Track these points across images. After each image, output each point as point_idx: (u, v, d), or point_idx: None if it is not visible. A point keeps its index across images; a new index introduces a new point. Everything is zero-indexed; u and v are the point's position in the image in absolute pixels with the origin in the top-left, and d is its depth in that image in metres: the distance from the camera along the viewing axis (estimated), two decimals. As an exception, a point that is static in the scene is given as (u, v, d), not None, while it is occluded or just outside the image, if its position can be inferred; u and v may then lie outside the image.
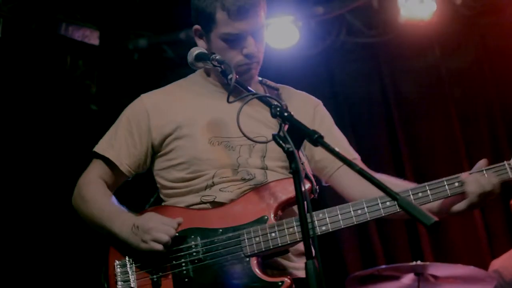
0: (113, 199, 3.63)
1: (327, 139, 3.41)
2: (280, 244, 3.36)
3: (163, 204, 3.65)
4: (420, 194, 3.35)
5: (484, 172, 3.36)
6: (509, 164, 3.37)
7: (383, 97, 7.58)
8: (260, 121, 3.62)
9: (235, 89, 3.34)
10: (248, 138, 3.31)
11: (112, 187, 3.69)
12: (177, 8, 5.95)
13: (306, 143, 3.47)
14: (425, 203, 3.34)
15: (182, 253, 3.41)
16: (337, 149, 2.91)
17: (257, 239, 3.36)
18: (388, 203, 3.33)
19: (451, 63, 7.34)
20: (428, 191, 3.36)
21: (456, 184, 3.36)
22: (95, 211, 3.56)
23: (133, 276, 3.44)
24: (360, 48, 7.48)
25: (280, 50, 7.09)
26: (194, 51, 3.50)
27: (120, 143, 3.65)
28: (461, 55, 7.30)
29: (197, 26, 3.61)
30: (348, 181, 3.62)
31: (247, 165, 3.54)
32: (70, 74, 6.99)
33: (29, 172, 6.52)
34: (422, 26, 6.97)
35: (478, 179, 3.33)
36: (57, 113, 6.83)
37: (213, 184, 3.51)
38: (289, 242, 3.36)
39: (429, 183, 3.38)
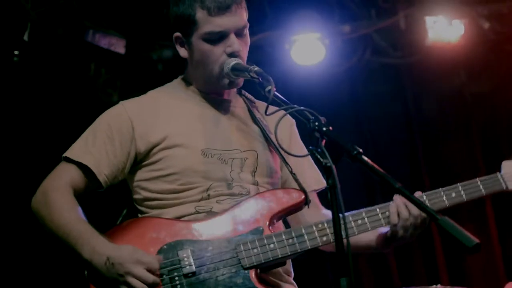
0: (82, 214, 3.34)
1: (300, 164, 3.58)
2: (280, 256, 3.30)
3: (144, 216, 3.48)
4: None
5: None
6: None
7: (406, 118, 7.55)
8: (249, 134, 3.58)
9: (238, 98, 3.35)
10: (286, 152, 3.22)
11: (79, 197, 3.41)
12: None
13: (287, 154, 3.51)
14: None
15: (174, 267, 3.24)
16: (376, 167, 2.87)
17: (255, 250, 3.28)
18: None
19: (475, 87, 7.31)
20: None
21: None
22: (60, 225, 3.29)
23: None
24: (385, 68, 7.46)
25: (305, 66, 7.08)
26: (231, 62, 3.44)
27: (99, 151, 3.40)
28: (486, 79, 7.28)
29: (177, 34, 3.50)
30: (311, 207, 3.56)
31: (240, 180, 3.47)
32: (93, 82, 6.98)
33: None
34: (449, 49, 6.97)
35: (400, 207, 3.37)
36: (77, 119, 6.80)
37: (209, 197, 3.42)
38: (289, 253, 3.32)
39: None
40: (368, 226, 3.41)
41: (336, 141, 2.95)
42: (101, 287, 3.21)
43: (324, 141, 2.97)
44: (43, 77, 6.44)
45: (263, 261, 3.28)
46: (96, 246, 3.20)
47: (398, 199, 3.41)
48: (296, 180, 3.52)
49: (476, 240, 2.53)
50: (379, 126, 7.58)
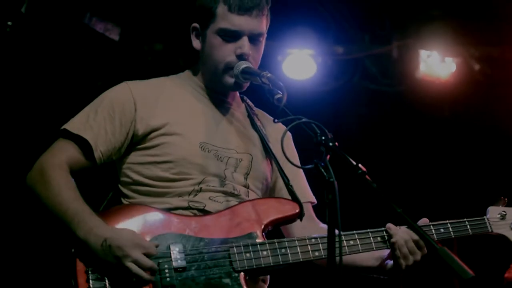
0: (79, 193, 3.31)
1: (292, 175, 3.60)
2: (272, 264, 3.32)
3: (131, 201, 3.44)
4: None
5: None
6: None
7: (385, 146, 7.60)
8: (246, 137, 3.61)
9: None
10: (291, 163, 3.18)
11: (73, 175, 3.39)
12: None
13: (285, 165, 3.55)
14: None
15: (165, 259, 3.21)
16: (375, 186, 2.90)
17: (248, 255, 3.29)
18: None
19: (458, 125, 7.40)
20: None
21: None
22: (57, 203, 3.25)
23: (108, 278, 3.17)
24: (372, 94, 7.52)
25: (294, 80, 7.11)
26: (242, 64, 3.46)
27: (99, 127, 3.39)
28: (469, 118, 7.36)
29: (195, 24, 3.56)
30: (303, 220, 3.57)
31: (233, 180, 3.49)
32: (82, 64, 6.93)
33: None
34: (437, 84, 7.07)
35: (404, 232, 3.43)
36: (67, 95, 6.74)
37: (200, 190, 3.42)
38: (281, 263, 3.33)
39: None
40: (359, 248, 3.45)
41: (342, 158, 2.98)
42: (90, 265, 3.16)
43: (328, 156, 3.00)
44: (37, 50, 6.37)
45: (254, 267, 3.28)
46: (94, 226, 3.17)
47: (401, 235, 3.45)
48: (293, 192, 3.54)
49: (472, 273, 2.57)
50: (357, 150, 7.57)
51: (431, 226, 3.53)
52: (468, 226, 3.59)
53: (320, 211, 3.49)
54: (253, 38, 3.49)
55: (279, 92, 3.24)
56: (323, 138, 3.03)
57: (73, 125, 3.42)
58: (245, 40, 3.46)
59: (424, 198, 7.31)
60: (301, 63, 7.07)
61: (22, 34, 6.17)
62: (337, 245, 2.78)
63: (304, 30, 7.01)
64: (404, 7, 7.16)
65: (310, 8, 7.08)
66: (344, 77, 7.37)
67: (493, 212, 3.66)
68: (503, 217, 3.64)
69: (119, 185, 3.52)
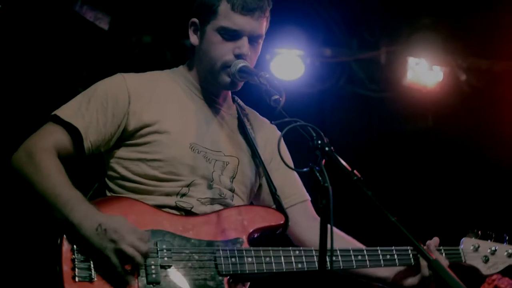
0: (68, 178, 3.24)
1: (286, 175, 3.62)
2: (256, 271, 3.30)
3: (125, 196, 3.38)
4: (359, 257, 3.47)
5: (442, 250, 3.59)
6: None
7: (368, 151, 7.62)
8: (235, 141, 3.59)
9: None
10: (288, 167, 3.14)
11: (61, 161, 3.30)
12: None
13: (272, 169, 3.59)
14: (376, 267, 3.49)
15: (152, 255, 3.16)
16: (370, 193, 2.90)
17: (233, 259, 3.27)
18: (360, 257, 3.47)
19: (440, 134, 7.44)
20: (380, 255, 3.50)
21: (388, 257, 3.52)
22: (48, 188, 3.17)
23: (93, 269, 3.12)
24: (357, 98, 7.54)
25: (281, 80, 7.08)
26: (239, 63, 3.43)
27: (91, 116, 3.34)
28: (453, 129, 7.40)
29: (194, 19, 3.51)
30: (303, 220, 3.62)
31: (219, 183, 3.47)
32: (68, 52, 6.87)
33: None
34: (423, 92, 7.09)
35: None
36: (46, 86, 6.69)
37: (188, 192, 3.39)
38: (264, 271, 3.32)
39: (381, 248, 3.53)
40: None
41: (337, 164, 2.96)
42: (76, 253, 3.10)
43: (324, 160, 2.98)
44: (23, 34, 6.31)
45: (239, 272, 3.27)
46: (88, 212, 3.12)
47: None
48: (279, 203, 3.53)
49: (464, 286, 2.57)
50: (340, 154, 7.58)
51: (409, 250, 3.55)
52: (444, 254, 3.63)
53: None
54: (252, 39, 3.47)
55: (276, 93, 3.22)
56: (319, 142, 3.01)
57: (65, 112, 3.36)
58: (245, 40, 3.44)
59: (402, 207, 7.33)
60: (289, 63, 7.06)
61: (12, 17, 6.11)
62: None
63: (294, 30, 7.00)
64: (394, 13, 7.19)
65: (301, 8, 7.08)
66: (331, 80, 7.37)
67: (467, 243, 3.72)
68: (476, 249, 3.71)
69: (106, 179, 3.48)
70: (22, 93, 6.41)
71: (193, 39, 3.53)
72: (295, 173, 3.74)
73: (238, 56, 3.44)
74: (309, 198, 3.72)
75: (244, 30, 3.43)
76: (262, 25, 3.49)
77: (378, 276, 3.60)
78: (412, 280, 3.55)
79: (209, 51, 3.47)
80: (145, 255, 3.11)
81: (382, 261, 3.51)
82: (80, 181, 3.41)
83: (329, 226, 2.82)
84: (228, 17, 3.42)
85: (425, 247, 3.40)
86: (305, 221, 3.63)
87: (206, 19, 3.46)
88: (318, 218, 3.60)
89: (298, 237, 3.64)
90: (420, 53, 6.99)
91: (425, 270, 3.49)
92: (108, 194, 3.44)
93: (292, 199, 3.67)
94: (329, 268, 2.81)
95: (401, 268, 3.57)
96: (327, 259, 2.80)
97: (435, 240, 3.60)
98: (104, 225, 3.08)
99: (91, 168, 3.56)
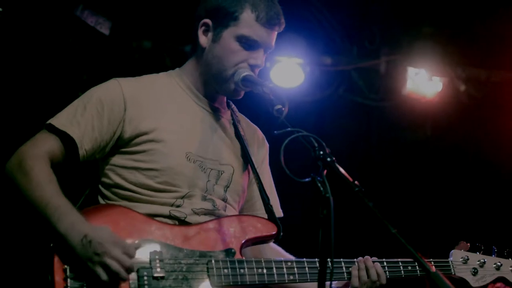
0: (59, 187, 3.22)
1: (268, 186, 3.68)
2: (248, 283, 3.30)
3: (117, 204, 3.36)
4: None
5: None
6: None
7: (366, 160, 7.62)
8: (230, 148, 3.59)
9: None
10: (291, 176, 3.07)
11: (52, 168, 3.29)
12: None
13: (252, 178, 3.62)
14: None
15: (144, 265, 3.15)
16: (371, 205, 2.90)
17: (226, 271, 3.26)
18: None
19: (438, 144, 7.44)
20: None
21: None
22: (38, 196, 3.15)
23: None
24: (356, 107, 7.54)
25: (280, 88, 7.08)
26: (243, 72, 3.44)
27: (86, 124, 3.32)
28: (450, 139, 7.41)
29: (207, 20, 3.50)
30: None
31: (213, 193, 3.47)
32: (68, 56, 6.87)
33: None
34: (422, 102, 7.09)
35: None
36: (45, 90, 6.69)
37: (183, 203, 3.38)
38: (257, 282, 3.32)
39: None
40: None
41: (339, 175, 2.97)
42: (68, 263, 3.08)
43: (325, 171, 2.99)
44: (25, 38, 6.31)
45: (231, 284, 3.26)
46: (75, 222, 3.09)
47: (360, 263, 3.52)
48: (272, 213, 3.53)
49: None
50: (338, 163, 7.57)
51: (400, 263, 3.58)
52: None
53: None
54: (265, 51, 3.51)
55: (279, 103, 3.23)
56: (321, 152, 3.02)
57: (60, 120, 3.35)
58: (261, 52, 3.48)
59: (400, 216, 7.34)
60: (289, 71, 7.05)
61: (12, 21, 6.11)
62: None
63: (295, 39, 7.00)
64: (394, 23, 7.20)
65: (302, 17, 7.08)
66: (331, 88, 7.37)
67: (456, 255, 3.76)
68: (465, 261, 3.74)
69: (100, 185, 3.46)
70: (22, 96, 6.41)
71: (203, 40, 3.51)
72: (273, 187, 3.76)
73: (252, 66, 3.46)
74: (282, 215, 3.73)
75: (263, 42, 3.46)
76: (275, 39, 3.53)
77: None
78: None
79: (224, 56, 3.46)
80: (129, 271, 3.07)
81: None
82: (72, 187, 3.40)
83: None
84: (251, 27, 3.43)
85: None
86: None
87: (224, 23, 3.46)
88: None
89: (259, 248, 3.63)
90: (420, 63, 7.00)
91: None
92: (101, 201, 3.43)
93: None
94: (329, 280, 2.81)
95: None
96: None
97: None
98: (89, 236, 3.05)
99: (83, 174, 3.54)
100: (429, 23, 7.08)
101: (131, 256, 3.08)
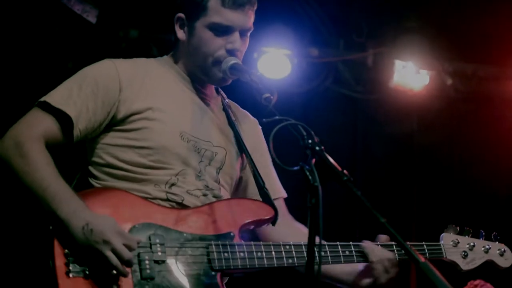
0: (57, 170, 3.16)
1: (266, 169, 3.64)
2: (248, 266, 3.30)
3: (104, 184, 3.33)
4: (346, 252, 3.49)
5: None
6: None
7: (351, 153, 7.62)
8: (223, 131, 3.58)
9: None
10: (282, 165, 3.07)
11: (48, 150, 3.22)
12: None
13: (246, 163, 3.60)
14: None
15: (145, 249, 3.13)
16: (359, 194, 2.90)
17: (226, 254, 3.26)
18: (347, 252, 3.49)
19: (424, 137, 7.45)
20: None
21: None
22: (36, 179, 3.09)
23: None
24: (342, 99, 7.53)
25: (267, 79, 7.06)
26: (231, 60, 3.42)
27: (82, 103, 3.25)
28: (436, 133, 7.43)
29: (180, 14, 3.48)
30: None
31: (206, 173, 3.45)
32: (53, 43, 6.83)
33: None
34: (409, 96, 7.10)
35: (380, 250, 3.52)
36: (29, 76, 6.64)
37: (177, 181, 3.35)
38: (256, 266, 3.32)
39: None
40: (328, 260, 3.46)
41: (327, 164, 2.96)
42: (68, 247, 3.04)
43: (314, 160, 2.98)
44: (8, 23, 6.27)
45: (232, 267, 3.26)
46: (77, 208, 3.05)
47: (377, 253, 3.52)
48: (268, 196, 3.50)
49: (453, 290, 2.58)
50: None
51: (394, 247, 3.55)
52: (426, 250, 3.68)
53: (303, 215, 3.49)
54: (243, 33, 3.48)
55: (268, 91, 3.21)
56: (310, 141, 3.01)
57: (55, 98, 3.26)
58: (236, 35, 3.44)
59: (385, 208, 7.35)
60: (277, 63, 7.03)
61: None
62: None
63: (282, 30, 6.99)
64: (382, 15, 7.20)
65: (289, 7, 7.07)
66: (318, 79, 7.37)
67: (447, 238, 3.77)
68: (455, 244, 3.75)
69: (89, 166, 3.41)
70: (7, 82, 6.37)
71: (180, 34, 3.50)
72: (272, 168, 3.73)
73: (230, 51, 3.44)
74: (285, 195, 3.73)
75: (236, 25, 3.43)
76: (251, 18, 3.48)
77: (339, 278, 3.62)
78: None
79: (200, 47, 3.46)
80: (128, 264, 3.05)
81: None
82: (62, 170, 3.36)
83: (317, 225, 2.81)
84: (219, 13, 3.40)
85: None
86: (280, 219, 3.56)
87: (195, 14, 3.44)
88: (289, 216, 3.63)
89: (264, 231, 3.60)
90: (407, 56, 7.01)
91: (378, 266, 3.50)
92: (92, 182, 3.38)
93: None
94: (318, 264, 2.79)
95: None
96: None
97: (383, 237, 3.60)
98: (91, 224, 3.02)
99: (73, 156, 3.46)
100: (416, 17, 7.08)
101: (132, 248, 3.06)
